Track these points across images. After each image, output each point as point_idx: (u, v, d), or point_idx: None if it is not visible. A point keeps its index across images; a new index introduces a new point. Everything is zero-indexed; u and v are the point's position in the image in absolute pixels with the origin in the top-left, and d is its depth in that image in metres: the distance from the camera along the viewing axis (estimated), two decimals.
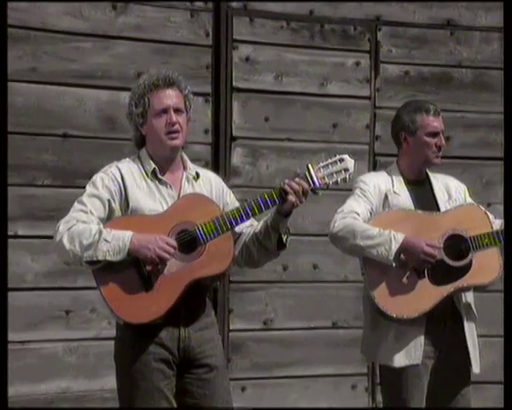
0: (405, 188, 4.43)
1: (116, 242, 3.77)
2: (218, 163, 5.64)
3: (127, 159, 3.96)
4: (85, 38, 5.36)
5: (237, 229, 3.93)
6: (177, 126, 3.88)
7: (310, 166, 3.80)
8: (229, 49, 5.64)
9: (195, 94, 5.33)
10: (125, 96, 5.01)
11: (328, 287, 5.63)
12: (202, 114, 5.59)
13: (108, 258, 3.76)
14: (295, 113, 5.71)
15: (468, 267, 4.29)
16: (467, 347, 4.36)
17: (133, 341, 3.85)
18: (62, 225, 3.79)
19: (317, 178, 3.78)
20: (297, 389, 5.71)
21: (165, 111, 3.86)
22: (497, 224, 4.44)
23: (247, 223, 3.91)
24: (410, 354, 4.31)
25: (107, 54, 5.39)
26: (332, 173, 3.81)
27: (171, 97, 3.86)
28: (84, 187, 3.81)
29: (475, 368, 4.39)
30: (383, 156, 5.80)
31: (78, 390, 5.32)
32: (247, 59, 5.67)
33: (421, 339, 4.30)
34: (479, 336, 5.51)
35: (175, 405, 3.90)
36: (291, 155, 5.70)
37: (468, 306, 4.43)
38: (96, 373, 5.27)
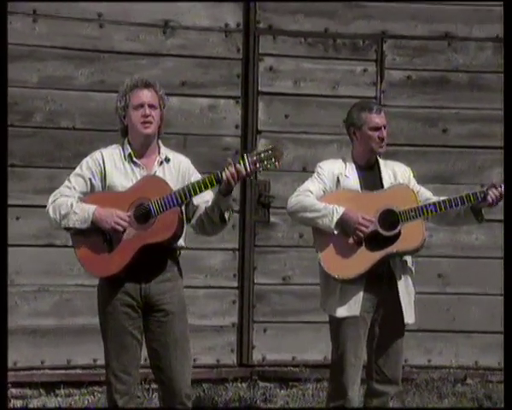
0: (356, 172, 4.86)
1: (82, 214, 4.33)
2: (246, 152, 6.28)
3: (114, 145, 4.51)
4: (141, 56, 6.20)
5: (195, 202, 4.44)
6: (149, 118, 4.36)
7: (245, 154, 4.27)
8: (256, 61, 6.32)
9: (229, 97, 6.41)
10: (171, 100, 5.84)
11: None
12: (234, 113, 6.33)
13: (77, 226, 4.33)
14: (311, 111, 6.38)
15: (397, 236, 4.73)
16: (400, 302, 4.79)
17: (106, 289, 4.43)
18: (51, 198, 4.43)
19: (250, 164, 4.23)
20: (309, 332, 6.33)
21: (141, 106, 4.37)
22: (434, 199, 4.86)
23: (206, 198, 4.41)
24: (351, 306, 4.75)
25: (158, 68, 6.16)
26: (263, 160, 4.24)
27: (146, 95, 4.39)
28: None
29: (407, 319, 4.82)
30: (386, 146, 6.14)
31: None
32: (271, 68, 6.35)
33: (361, 295, 4.75)
34: (479, 294, 6.19)
35: (140, 339, 4.46)
36: (307, 145, 6.36)
37: (403, 266, 4.85)
38: None
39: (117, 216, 4.32)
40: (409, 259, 4.92)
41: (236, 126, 6.41)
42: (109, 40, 6.21)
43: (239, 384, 6.38)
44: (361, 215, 4.74)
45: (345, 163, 4.91)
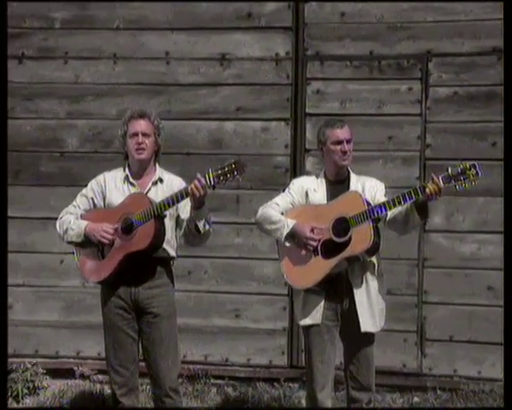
0: (325, 186, 5.02)
1: (77, 229, 4.81)
2: (295, 169, 6.67)
3: (118, 168, 4.97)
4: (202, 86, 6.78)
5: (182, 217, 4.80)
6: (143, 145, 4.80)
7: (210, 169, 4.61)
8: (304, 85, 6.66)
9: (279, 120, 6.87)
10: (228, 125, 6.70)
11: (386, 262, 5.63)
12: (284, 134, 6.71)
13: (74, 239, 4.83)
14: (356, 130, 6.02)
15: (349, 241, 4.86)
16: (357, 311, 4.91)
17: (104, 293, 4.90)
18: (60, 215, 4.93)
19: (214, 178, 4.56)
20: None
21: (136, 134, 4.81)
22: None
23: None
24: (313, 316, 4.96)
25: (216, 96, 6.73)
26: (226, 174, 4.58)
27: (140, 125, 4.82)
28: None
29: (364, 327, 4.91)
30: (432, 160, 6.59)
31: (193, 325, 6.75)
32: (318, 91, 6.66)
33: (321, 304, 4.92)
34: (481, 305, 6.28)
35: (135, 337, 4.87)
36: (353, 161, 6.28)
37: (365, 274, 4.94)
38: (207, 314, 6.81)
39: (102, 230, 4.79)
40: (371, 267, 4.99)
41: (286, 146, 6.76)
42: (174, 74, 6.85)
43: (290, 384, 6.73)
44: (309, 229, 4.88)
45: (317, 178, 5.08)
